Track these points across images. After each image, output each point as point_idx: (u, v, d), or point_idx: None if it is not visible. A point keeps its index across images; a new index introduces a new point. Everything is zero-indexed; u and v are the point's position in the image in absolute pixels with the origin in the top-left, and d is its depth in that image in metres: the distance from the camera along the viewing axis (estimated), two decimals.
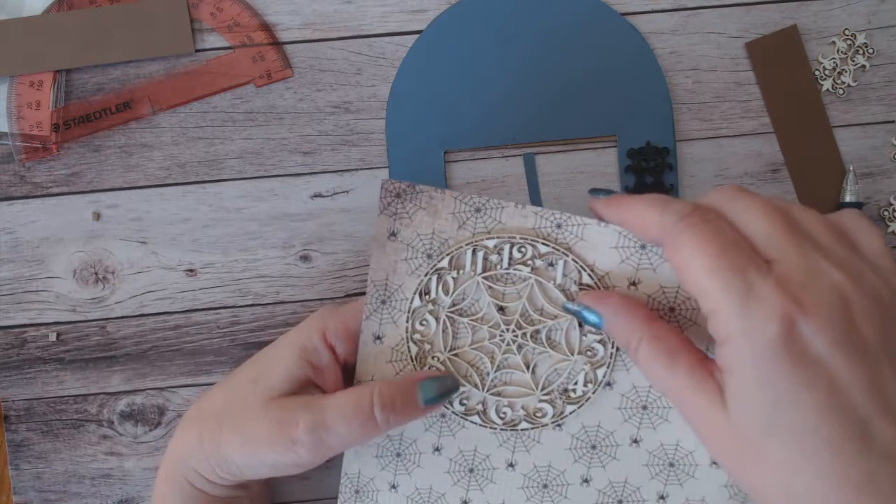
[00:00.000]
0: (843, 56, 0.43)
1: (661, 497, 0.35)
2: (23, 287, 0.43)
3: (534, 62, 0.43)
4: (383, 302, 0.34)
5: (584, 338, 0.33)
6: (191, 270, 0.43)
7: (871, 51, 0.43)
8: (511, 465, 0.35)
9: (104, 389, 0.43)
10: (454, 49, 0.43)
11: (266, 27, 0.42)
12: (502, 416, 0.35)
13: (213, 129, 0.43)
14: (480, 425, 0.35)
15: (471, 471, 0.36)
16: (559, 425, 0.35)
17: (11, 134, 0.42)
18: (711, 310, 0.26)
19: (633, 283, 0.32)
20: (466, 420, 0.35)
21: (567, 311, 0.32)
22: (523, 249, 0.33)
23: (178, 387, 0.43)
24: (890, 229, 0.43)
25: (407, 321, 0.34)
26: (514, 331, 0.34)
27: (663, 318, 0.32)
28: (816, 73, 0.43)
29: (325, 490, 0.43)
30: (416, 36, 0.43)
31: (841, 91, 0.43)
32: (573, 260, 0.32)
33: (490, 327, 0.34)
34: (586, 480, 0.35)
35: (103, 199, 0.43)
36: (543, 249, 0.33)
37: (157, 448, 0.43)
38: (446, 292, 0.34)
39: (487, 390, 0.34)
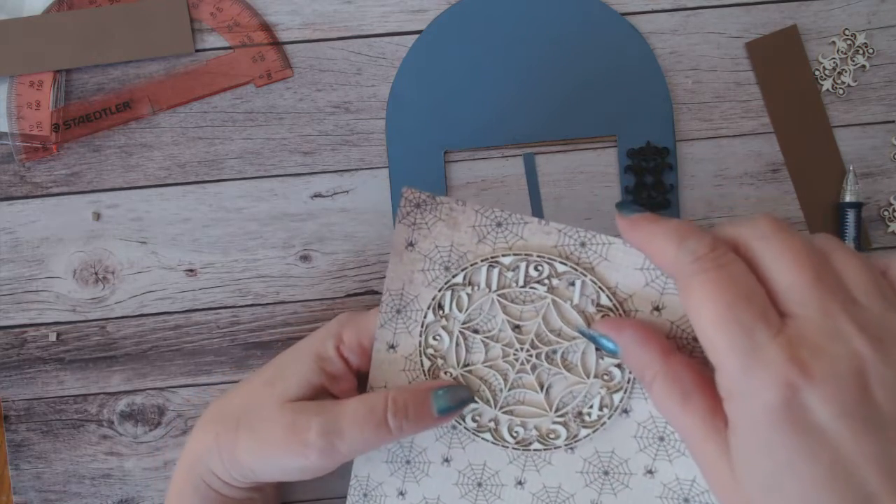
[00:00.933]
0: (843, 56, 0.43)
1: None
2: (23, 287, 0.43)
3: (534, 62, 0.43)
4: (398, 311, 0.34)
5: (600, 361, 0.33)
6: (191, 270, 0.43)
7: (871, 51, 0.43)
8: (520, 482, 0.35)
9: (104, 389, 0.43)
10: (454, 49, 0.43)
11: (266, 27, 0.42)
12: (514, 434, 0.34)
13: (213, 129, 0.43)
14: (492, 443, 0.34)
15: (479, 485, 0.35)
16: (572, 448, 0.34)
17: (11, 134, 0.42)
18: (716, 363, 0.25)
19: (657, 308, 0.31)
20: (478, 437, 0.34)
21: (583, 335, 0.32)
22: (540, 268, 0.32)
23: (178, 387, 0.43)
24: (890, 229, 0.43)
25: (420, 335, 0.34)
26: (528, 350, 0.33)
27: (685, 348, 0.31)
28: (816, 73, 0.43)
29: (333, 490, 0.43)
30: (416, 36, 0.43)
31: (841, 91, 0.43)
32: (592, 280, 0.32)
33: (504, 345, 0.33)
34: None
35: (103, 199, 0.43)
36: (561, 269, 0.32)
37: (158, 448, 0.43)
38: (460, 309, 0.33)
39: (500, 408, 0.34)
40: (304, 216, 0.43)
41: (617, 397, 0.33)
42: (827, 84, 0.43)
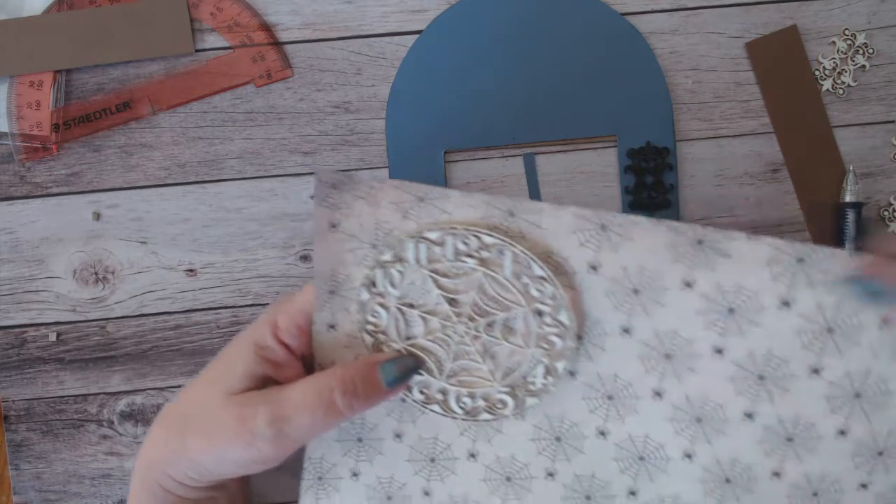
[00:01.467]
0: (843, 56, 0.43)
1: (632, 492, 0.34)
2: (23, 287, 0.43)
3: (534, 62, 0.43)
4: (332, 292, 0.33)
5: (540, 330, 0.32)
6: (191, 270, 0.43)
7: (871, 51, 0.43)
8: (472, 455, 0.34)
9: (104, 389, 0.43)
10: (454, 49, 0.43)
11: (266, 27, 0.42)
12: (462, 405, 0.33)
13: (213, 129, 0.43)
14: (441, 414, 0.34)
15: (432, 460, 0.35)
16: (521, 416, 0.33)
17: (11, 134, 0.42)
18: None
19: (594, 267, 0.31)
20: (426, 408, 0.34)
21: (849, 283, 0.29)
22: (467, 241, 0.31)
23: (178, 387, 0.43)
24: (890, 229, 0.43)
25: (358, 313, 0.33)
26: (467, 322, 0.32)
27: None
28: (816, 73, 0.43)
29: None
30: (416, 36, 0.43)
31: (841, 91, 0.43)
32: (521, 251, 0.31)
33: (442, 319, 0.32)
34: (551, 474, 0.34)
35: (103, 199, 0.43)
36: (489, 240, 0.31)
37: None
38: (393, 285, 0.32)
39: (446, 379, 0.33)
40: (304, 216, 0.43)
41: (560, 365, 0.32)
42: (827, 84, 0.43)
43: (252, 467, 0.32)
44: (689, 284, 0.30)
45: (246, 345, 0.34)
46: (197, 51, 0.42)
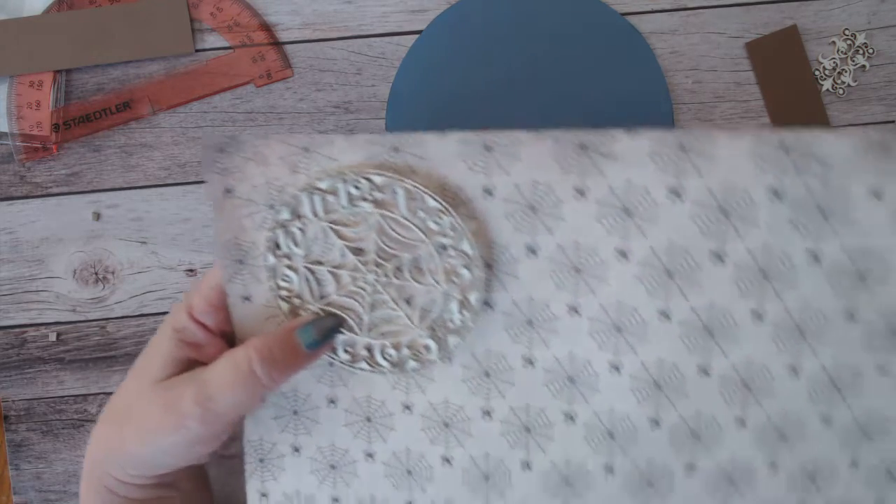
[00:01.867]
0: (843, 56, 0.43)
1: (569, 416, 0.33)
2: (23, 287, 0.43)
3: (534, 62, 0.43)
4: (240, 262, 0.32)
5: (446, 264, 0.31)
6: (191, 270, 0.43)
7: (871, 51, 0.43)
8: (407, 407, 0.34)
9: (104, 389, 0.43)
10: (454, 49, 0.43)
11: (266, 27, 0.42)
12: (388, 357, 0.33)
13: (213, 129, 0.43)
14: (370, 371, 0.33)
15: (368, 420, 0.34)
16: (448, 359, 0.33)
17: (11, 134, 0.42)
18: None
19: (488, 191, 0.30)
20: (354, 368, 0.33)
21: None
22: (359, 185, 0.30)
23: None
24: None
25: (269, 280, 0.32)
26: (375, 270, 0.32)
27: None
28: (816, 73, 0.43)
29: None
30: (416, 36, 0.43)
31: (841, 91, 0.43)
32: (412, 185, 0.30)
33: (351, 271, 0.32)
34: (487, 412, 0.33)
35: (103, 199, 0.43)
36: (379, 180, 0.30)
37: None
38: (296, 244, 0.32)
39: (368, 333, 0.32)
40: None
41: (473, 297, 0.31)
42: (827, 84, 0.43)
43: (190, 452, 0.32)
44: (582, 193, 0.30)
45: (166, 332, 0.33)
46: (197, 51, 0.42)
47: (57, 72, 0.42)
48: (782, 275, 0.30)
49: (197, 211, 0.43)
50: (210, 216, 0.43)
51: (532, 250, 0.31)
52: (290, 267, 0.32)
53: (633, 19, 0.43)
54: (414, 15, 0.43)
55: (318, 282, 0.32)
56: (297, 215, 0.31)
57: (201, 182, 0.43)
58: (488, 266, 0.31)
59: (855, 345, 0.31)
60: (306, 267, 0.32)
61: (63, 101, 0.42)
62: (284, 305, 0.33)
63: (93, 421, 0.43)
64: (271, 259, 0.32)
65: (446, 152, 0.30)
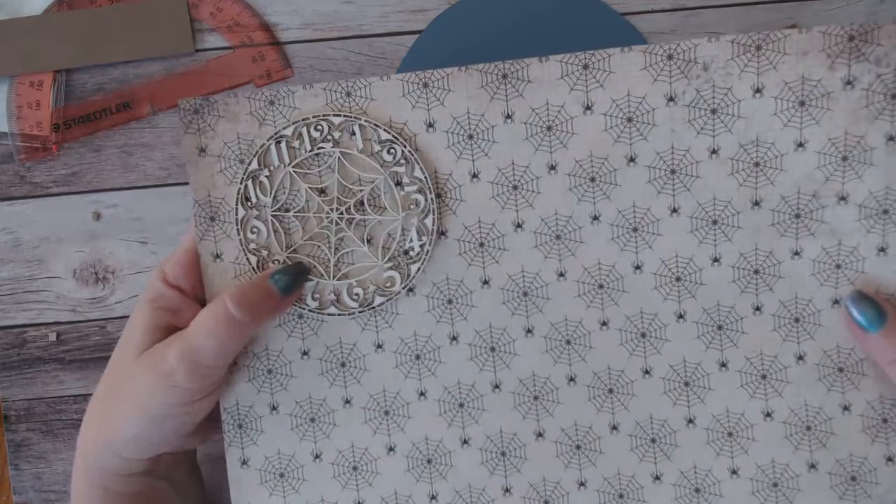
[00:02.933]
0: None
1: (528, 330, 0.35)
2: (23, 287, 0.43)
3: None
4: (212, 219, 0.34)
5: (402, 192, 0.34)
6: None
7: None
8: (379, 346, 0.35)
9: None
10: (454, 49, 0.43)
11: (266, 27, 0.42)
12: (355, 297, 0.35)
13: None
14: (339, 315, 0.35)
15: (343, 365, 0.35)
16: (411, 289, 0.35)
17: (11, 134, 0.42)
18: None
19: (430, 125, 0.34)
20: (323, 314, 0.35)
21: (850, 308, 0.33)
22: (319, 127, 0.34)
23: None
24: None
25: (238, 233, 0.34)
26: (338, 209, 0.34)
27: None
28: None
29: None
30: (416, 36, 0.43)
31: None
32: (366, 122, 0.33)
33: (315, 214, 0.34)
34: (454, 338, 0.35)
35: (103, 199, 0.43)
36: (337, 121, 0.33)
37: None
38: (265, 193, 0.34)
39: (334, 277, 0.34)
40: None
41: (429, 221, 0.34)
42: None
43: (182, 416, 0.32)
44: (509, 116, 0.33)
45: (140, 305, 0.34)
46: (197, 51, 0.42)
47: (57, 72, 0.42)
48: (687, 169, 0.33)
49: None
50: None
51: (474, 175, 0.34)
52: (258, 218, 0.34)
53: (633, 19, 0.43)
54: (414, 15, 0.43)
55: (286, 231, 0.34)
56: (264, 164, 0.34)
57: None
58: (438, 195, 0.34)
59: (766, 230, 0.33)
60: (273, 216, 0.34)
61: (63, 101, 0.42)
62: (252, 259, 0.34)
63: None
64: (241, 211, 0.34)
65: (391, 92, 0.34)
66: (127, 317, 0.43)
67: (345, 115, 0.33)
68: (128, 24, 0.42)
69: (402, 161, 0.34)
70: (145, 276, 0.43)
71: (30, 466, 0.43)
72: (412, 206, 0.34)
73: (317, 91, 0.33)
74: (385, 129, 0.33)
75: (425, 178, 0.34)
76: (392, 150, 0.34)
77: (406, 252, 0.34)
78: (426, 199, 0.34)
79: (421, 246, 0.34)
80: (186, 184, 0.43)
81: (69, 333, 0.43)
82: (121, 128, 0.43)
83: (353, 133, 0.34)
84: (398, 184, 0.34)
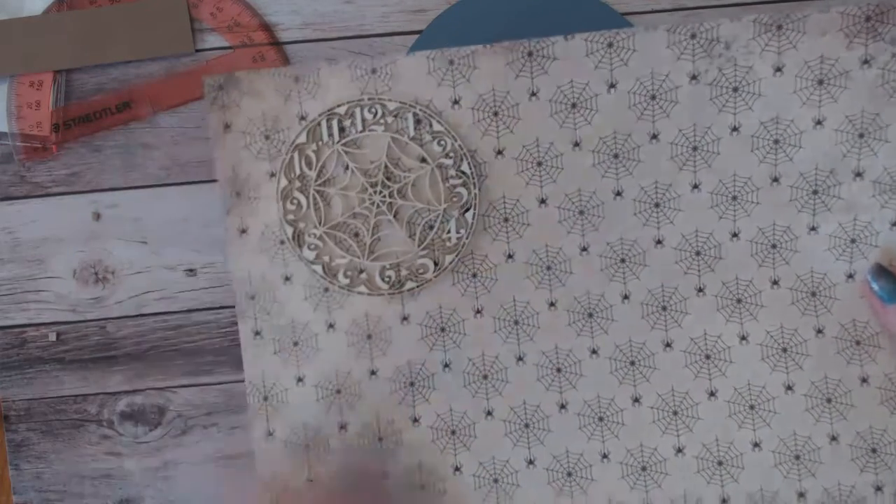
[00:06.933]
0: None
1: (551, 304, 0.36)
2: (23, 287, 0.43)
3: None
4: (238, 194, 0.35)
5: (447, 185, 0.34)
6: (191, 270, 0.43)
7: None
8: (405, 318, 0.36)
9: (104, 389, 0.43)
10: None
11: (266, 27, 0.42)
12: (387, 279, 0.35)
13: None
14: (367, 294, 0.35)
15: (368, 337, 0.36)
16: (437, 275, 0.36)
17: (11, 134, 0.42)
18: None
19: (456, 102, 0.34)
20: (352, 292, 0.35)
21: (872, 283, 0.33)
22: (374, 110, 0.34)
23: (178, 387, 0.43)
24: None
25: (278, 202, 0.35)
26: (380, 192, 0.34)
27: None
28: None
29: None
30: (416, 36, 0.43)
31: None
32: (421, 110, 0.34)
33: (358, 193, 0.35)
34: (478, 311, 0.36)
35: (103, 199, 0.43)
36: (392, 106, 0.34)
37: (158, 448, 0.43)
38: (309, 166, 0.35)
39: (368, 257, 0.35)
40: None
41: (469, 215, 0.35)
42: None
43: None
44: (534, 94, 0.34)
45: None
46: (197, 51, 0.42)
47: (57, 72, 0.42)
48: (709, 146, 0.34)
49: (197, 211, 0.43)
50: (211, 216, 0.43)
51: (499, 151, 0.35)
52: (300, 190, 0.35)
53: (633, 19, 0.43)
54: (414, 15, 0.43)
55: (328, 203, 0.35)
56: (312, 139, 0.34)
57: (201, 182, 0.43)
58: (480, 188, 0.35)
59: (784, 206, 0.34)
60: (316, 190, 0.35)
61: (63, 101, 0.42)
62: (289, 229, 0.35)
63: (93, 421, 0.43)
64: (283, 181, 0.34)
65: (417, 70, 0.34)
66: (127, 317, 0.43)
67: (400, 102, 0.34)
68: (128, 24, 0.42)
69: (451, 154, 0.34)
70: (145, 276, 0.43)
71: (30, 466, 0.43)
72: (454, 199, 0.35)
73: (341, 67, 0.34)
74: (438, 121, 0.34)
75: (471, 173, 0.34)
76: (442, 143, 0.34)
77: (441, 240, 0.35)
78: (469, 194, 0.34)
79: (458, 238, 0.35)
80: (186, 184, 0.43)
81: (69, 333, 0.43)
82: (121, 128, 0.43)
83: (407, 120, 0.34)
84: (444, 178, 0.34)
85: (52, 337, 0.43)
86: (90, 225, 0.43)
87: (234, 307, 0.43)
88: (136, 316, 0.43)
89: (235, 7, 0.42)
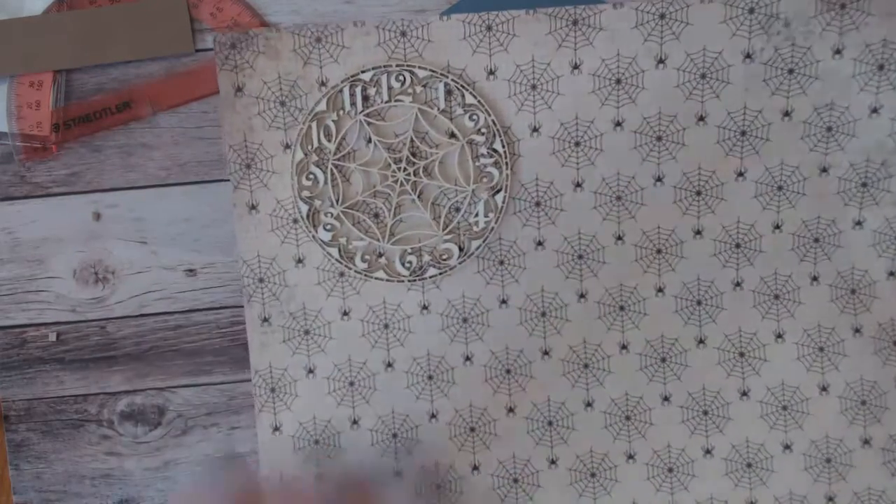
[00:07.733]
0: None
1: (581, 295, 0.34)
2: (23, 287, 0.43)
3: None
4: (248, 166, 0.32)
5: (477, 164, 0.32)
6: (191, 270, 0.43)
7: None
8: (425, 307, 0.34)
9: (104, 389, 0.43)
10: None
11: (266, 27, 0.42)
12: (408, 265, 0.33)
13: (213, 129, 0.43)
14: (387, 280, 0.33)
15: (386, 326, 0.34)
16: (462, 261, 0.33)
17: (11, 134, 0.42)
18: None
19: (492, 73, 0.31)
20: (370, 277, 0.33)
21: None
22: (401, 77, 0.31)
23: (178, 387, 0.43)
24: None
25: (292, 178, 0.32)
26: (405, 168, 0.32)
27: None
28: None
29: None
30: None
31: None
32: (453, 81, 0.31)
33: (380, 169, 0.32)
34: (504, 301, 0.34)
35: (103, 199, 0.43)
36: (422, 74, 0.31)
37: (158, 448, 0.43)
38: (329, 138, 0.31)
39: (389, 240, 0.32)
40: None
41: (500, 198, 0.32)
42: None
43: None
44: (576, 67, 0.32)
45: None
46: (197, 51, 0.42)
47: (57, 72, 0.42)
48: (758, 131, 0.32)
49: (197, 211, 0.43)
50: (211, 216, 0.43)
51: (535, 129, 0.32)
52: (317, 164, 0.32)
53: None
54: (414, 15, 0.43)
55: (347, 179, 0.32)
56: (333, 107, 0.31)
57: (201, 182, 0.43)
58: (512, 168, 0.32)
59: (831, 198, 0.33)
60: (335, 164, 0.32)
61: (63, 101, 0.42)
62: (304, 207, 0.32)
63: (93, 421, 0.43)
64: (300, 154, 0.31)
65: (451, 34, 0.31)
66: (127, 317, 0.43)
67: (431, 70, 0.31)
68: (128, 24, 0.42)
69: (483, 130, 0.31)
70: (145, 275, 0.43)
71: (30, 466, 0.43)
72: (484, 179, 0.32)
73: (369, 29, 0.31)
74: (472, 93, 0.31)
75: (504, 152, 0.31)
76: (475, 117, 0.31)
77: (468, 225, 0.32)
78: (500, 175, 0.32)
79: (486, 222, 0.32)
80: (186, 184, 0.43)
81: (69, 333, 0.43)
82: (121, 128, 0.43)
83: (437, 91, 0.31)
84: (475, 156, 0.31)
85: (52, 337, 0.43)
86: (90, 225, 0.43)
87: (234, 307, 0.43)
88: (136, 316, 0.43)
89: (235, 7, 0.42)
